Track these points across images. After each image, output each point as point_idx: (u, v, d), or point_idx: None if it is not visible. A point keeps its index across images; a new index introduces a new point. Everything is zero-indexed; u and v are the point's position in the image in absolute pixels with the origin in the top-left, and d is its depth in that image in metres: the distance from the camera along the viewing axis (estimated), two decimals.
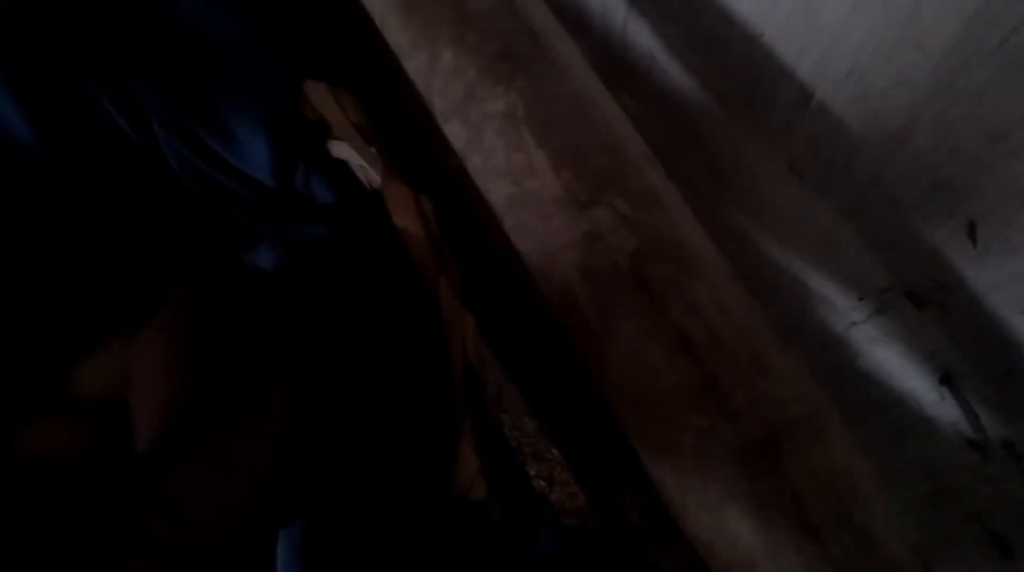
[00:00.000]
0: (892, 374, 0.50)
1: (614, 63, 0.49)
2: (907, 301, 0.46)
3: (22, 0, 0.44)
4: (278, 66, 0.43)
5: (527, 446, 1.05)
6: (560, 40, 0.41)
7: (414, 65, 0.40)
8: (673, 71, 0.52)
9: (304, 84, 0.43)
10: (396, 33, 0.41)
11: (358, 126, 0.45)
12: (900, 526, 0.33)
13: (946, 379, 0.47)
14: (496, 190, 0.39)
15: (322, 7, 0.45)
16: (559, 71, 0.39)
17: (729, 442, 0.33)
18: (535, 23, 0.40)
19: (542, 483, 1.02)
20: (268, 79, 0.42)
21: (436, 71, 0.39)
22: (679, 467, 0.34)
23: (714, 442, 0.33)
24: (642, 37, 0.52)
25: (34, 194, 0.44)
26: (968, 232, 0.40)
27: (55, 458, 0.44)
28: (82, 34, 0.43)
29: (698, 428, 0.33)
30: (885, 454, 0.48)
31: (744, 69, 0.46)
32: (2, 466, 0.43)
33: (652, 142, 0.41)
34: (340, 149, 0.42)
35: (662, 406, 0.34)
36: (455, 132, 0.39)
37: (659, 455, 0.34)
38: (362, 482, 0.37)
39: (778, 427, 0.33)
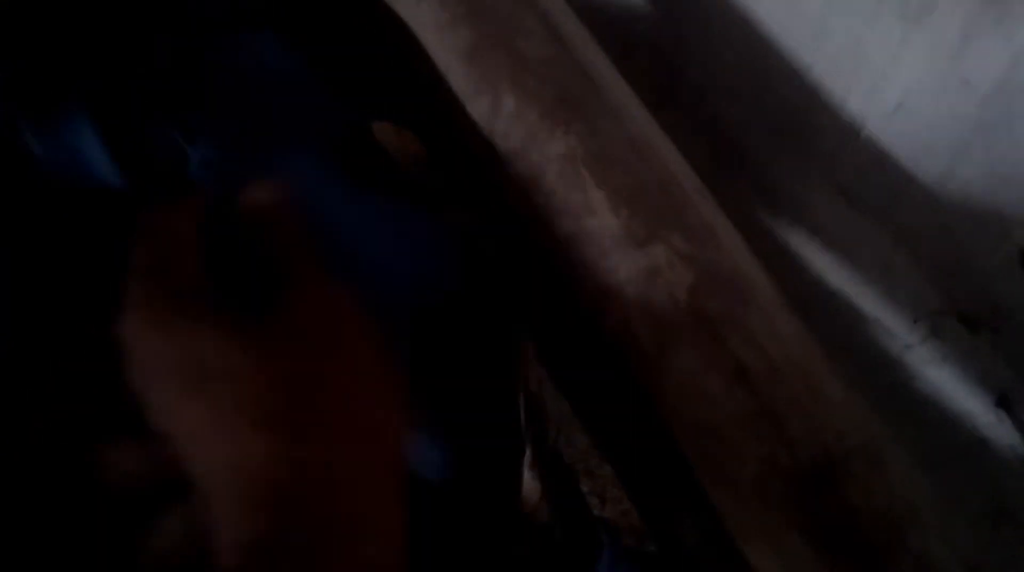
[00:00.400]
0: (947, 396, 0.51)
1: (665, 92, 0.51)
2: (960, 325, 0.47)
3: (103, 46, 0.47)
4: (342, 109, 0.45)
5: (579, 462, 1.06)
6: (615, 83, 0.43)
7: (477, 109, 0.43)
8: (723, 101, 0.53)
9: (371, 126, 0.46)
10: (460, 80, 0.43)
11: (422, 164, 0.47)
12: (960, 550, 0.34)
13: (1002, 401, 0.48)
14: (557, 228, 0.41)
15: (387, 54, 0.48)
16: (615, 113, 0.41)
17: (788, 470, 0.34)
18: (591, 68, 0.42)
19: (595, 500, 1.03)
20: (329, 122, 0.45)
21: (499, 115, 0.42)
22: (739, 494, 0.35)
23: (773, 470, 0.34)
24: (692, 67, 0.54)
25: (121, 233, 0.47)
26: (1020, 260, 0.41)
27: (129, 484, 0.46)
28: (155, 77, 0.46)
29: (758, 456, 0.34)
30: (942, 474, 0.48)
31: (793, 101, 0.47)
32: (77, 487, 0.45)
33: (702, 169, 0.43)
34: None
35: (722, 435, 0.36)
36: (518, 173, 0.42)
37: (719, 482, 0.36)
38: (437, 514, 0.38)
39: (835, 455, 0.35)
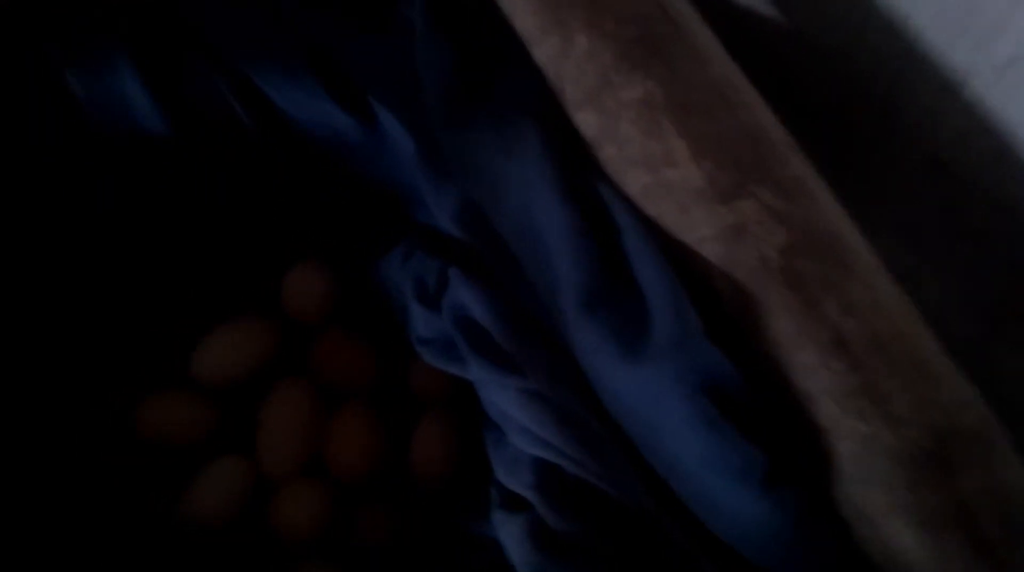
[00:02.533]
0: None
1: (739, 45, 0.47)
2: None
3: None
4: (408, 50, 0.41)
5: None
6: (698, 24, 0.39)
7: (544, 51, 0.39)
8: (800, 56, 0.49)
9: None
10: (526, 18, 0.40)
11: None
12: None
13: None
14: (631, 181, 0.37)
15: None
16: (698, 56, 0.38)
17: (892, 450, 0.31)
18: (672, 7, 0.39)
19: None
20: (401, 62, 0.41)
21: (569, 57, 0.38)
22: (837, 474, 0.32)
23: (876, 450, 0.31)
24: (765, 17, 0.50)
25: (162, 179, 0.44)
26: None
27: (175, 438, 0.44)
28: (199, 21, 0.43)
29: (859, 434, 0.31)
30: None
31: (887, 57, 0.43)
32: (118, 442, 0.43)
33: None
34: None
35: (816, 410, 0.32)
36: (588, 121, 0.38)
37: (814, 460, 0.32)
38: None
39: (945, 436, 0.31)
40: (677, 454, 0.32)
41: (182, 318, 0.46)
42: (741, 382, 0.33)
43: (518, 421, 0.37)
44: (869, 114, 0.48)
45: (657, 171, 0.36)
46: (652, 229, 0.37)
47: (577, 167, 0.38)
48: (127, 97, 0.42)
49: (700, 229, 0.35)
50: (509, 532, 0.37)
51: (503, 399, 0.37)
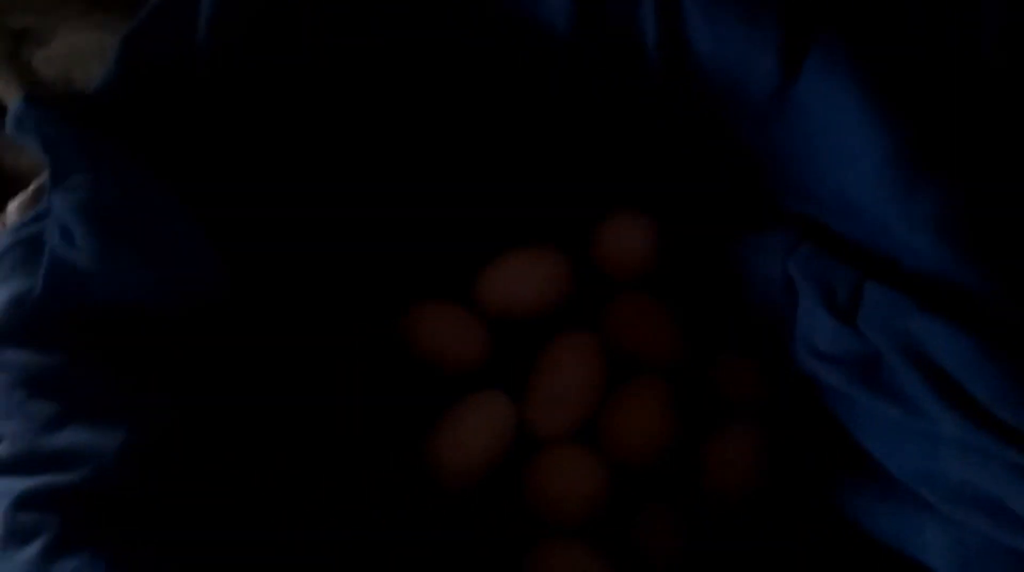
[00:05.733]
0: None
1: None
2: None
3: None
4: None
5: None
6: None
7: None
8: None
9: None
10: None
11: None
12: None
13: None
14: None
15: None
16: None
17: None
18: None
19: None
20: None
21: None
22: None
23: None
24: None
25: (563, 79, 0.37)
26: None
27: (444, 354, 0.39)
28: None
29: None
30: None
31: None
32: (374, 349, 0.39)
33: None
34: None
35: None
36: None
37: None
38: None
39: None
40: None
41: (476, 239, 0.40)
42: None
43: (998, 502, 0.26)
44: None
45: None
46: None
47: None
48: None
49: None
50: None
51: (980, 471, 0.27)
